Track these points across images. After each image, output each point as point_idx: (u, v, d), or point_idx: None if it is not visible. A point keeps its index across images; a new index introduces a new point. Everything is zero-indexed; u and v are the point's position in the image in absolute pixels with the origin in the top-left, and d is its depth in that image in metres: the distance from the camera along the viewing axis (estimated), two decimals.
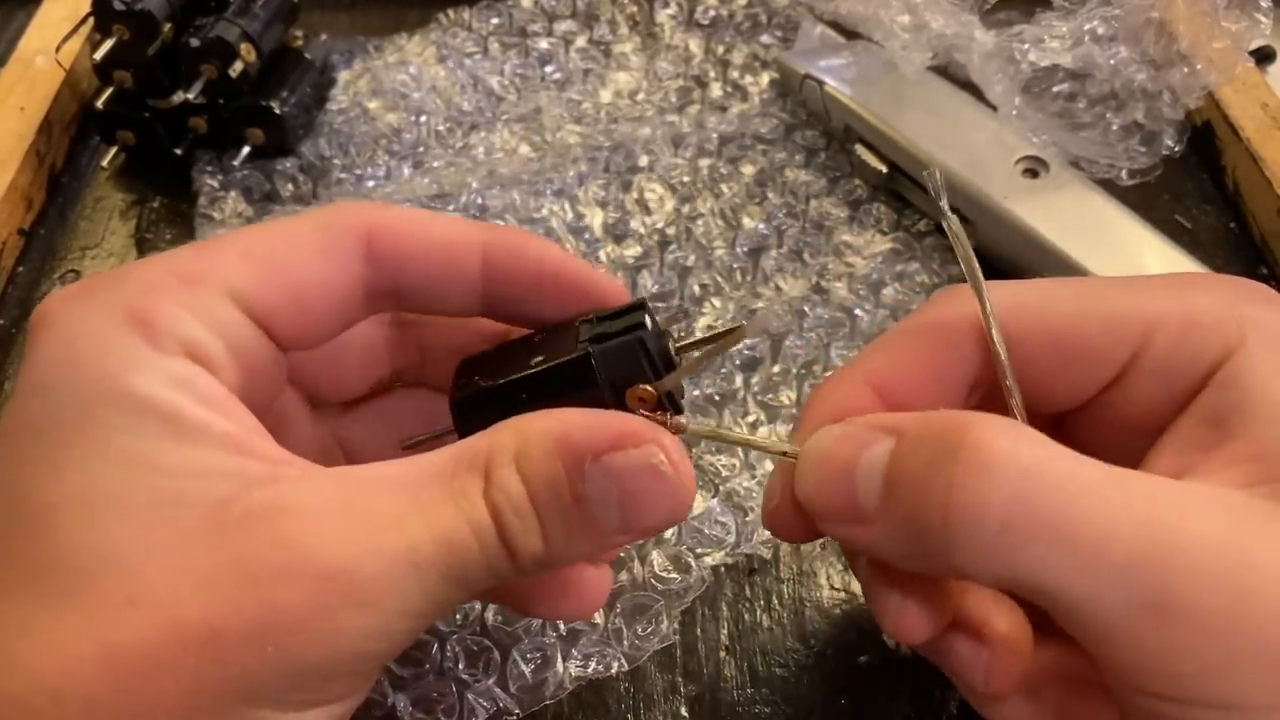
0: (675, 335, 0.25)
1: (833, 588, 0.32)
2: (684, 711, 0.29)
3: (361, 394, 0.28)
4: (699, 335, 0.27)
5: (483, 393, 0.24)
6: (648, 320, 0.24)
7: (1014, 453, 0.20)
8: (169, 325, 0.21)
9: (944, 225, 0.25)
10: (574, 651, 0.30)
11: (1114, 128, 0.43)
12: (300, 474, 0.21)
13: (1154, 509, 0.20)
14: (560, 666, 0.29)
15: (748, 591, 0.32)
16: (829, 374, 0.27)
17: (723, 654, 0.30)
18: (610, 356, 0.23)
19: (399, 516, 0.20)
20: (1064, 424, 0.26)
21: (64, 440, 0.20)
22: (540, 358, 0.24)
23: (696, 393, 0.36)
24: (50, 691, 0.18)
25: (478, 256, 0.25)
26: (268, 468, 0.21)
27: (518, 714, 0.28)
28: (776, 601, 0.31)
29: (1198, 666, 0.20)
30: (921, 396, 0.24)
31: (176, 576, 0.19)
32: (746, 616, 0.31)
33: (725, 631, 0.31)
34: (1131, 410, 0.24)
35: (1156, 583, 0.19)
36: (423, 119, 0.48)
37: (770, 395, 0.37)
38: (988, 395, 0.25)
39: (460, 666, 0.29)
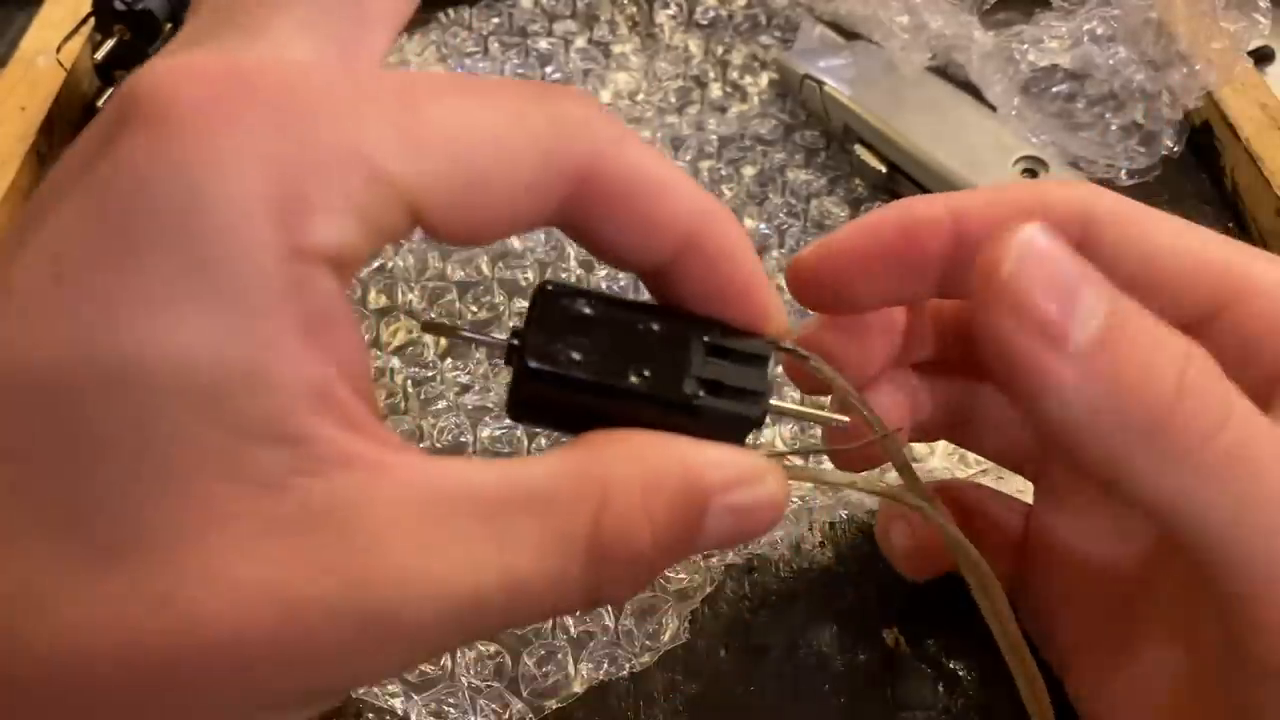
0: (772, 393, 0.23)
1: (831, 586, 0.32)
2: (684, 711, 0.29)
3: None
4: (793, 405, 0.25)
5: (563, 376, 0.20)
6: (768, 383, 0.22)
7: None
8: (327, 229, 0.17)
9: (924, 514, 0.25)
10: (585, 653, 0.30)
11: (1113, 128, 0.43)
12: (373, 464, 0.17)
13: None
14: (572, 669, 0.29)
15: (748, 590, 0.32)
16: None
17: (723, 653, 0.30)
18: (716, 417, 0.21)
19: (473, 552, 0.18)
20: None
21: (134, 339, 0.16)
22: (642, 373, 0.21)
23: None
24: (62, 688, 0.16)
25: (680, 242, 0.21)
26: (339, 443, 0.17)
27: (531, 718, 0.28)
28: (776, 600, 0.31)
29: None
30: None
31: (215, 582, 0.16)
32: (746, 616, 0.31)
33: (725, 631, 0.31)
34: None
35: None
36: None
37: (773, 397, 0.36)
38: None
39: (471, 672, 0.29)
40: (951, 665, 0.30)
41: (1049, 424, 0.19)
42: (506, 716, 0.28)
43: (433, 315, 0.39)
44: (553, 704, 0.29)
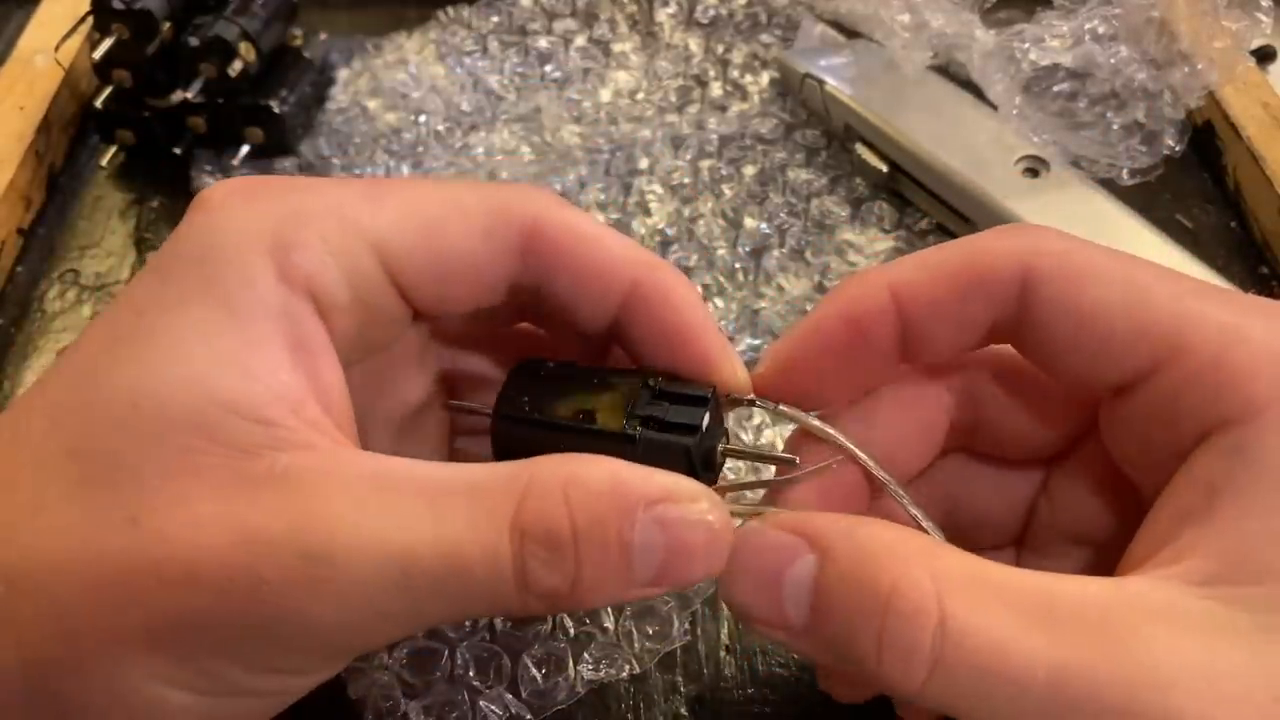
0: (728, 438, 0.25)
1: None
2: (684, 711, 0.29)
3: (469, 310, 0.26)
4: (749, 445, 0.26)
5: (526, 420, 0.24)
6: (705, 420, 0.23)
7: (941, 607, 0.19)
8: (306, 259, 0.21)
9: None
10: (585, 655, 0.30)
11: (1115, 127, 0.43)
12: (332, 449, 0.21)
13: (1072, 650, 0.19)
14: (571, 671, 0.29)
15: None
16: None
17: (723, 654, 0.30)
18: (653, 448, 0.23)
19: (407, 518, 0.20)
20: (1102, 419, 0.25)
21: (150, 327, 0.21)
22: (589, 413, 0.24)
23: None
24: (34, 582, 0.19)
25: (626, 291, 0.24)
26: (307, 434, 0.20)
27: (530, 719, 0.28)
28: None
29: None
30: (940, 321, 0.24)
31: (178, 513, 0.19)
32: None
33: (725, 631, 0.31)
34: (1146, 423, 0.23)
35: None
36: (422, 118, 0.47)
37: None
38: (1005, 336, 0.24)
39: (471, 674, 0.29)
40: None
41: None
42: (506, 717, 0.28)
43: None
44: (553, 705, 0.29)
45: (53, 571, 0.19)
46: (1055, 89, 0.44)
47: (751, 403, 0.25)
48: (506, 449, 0.24)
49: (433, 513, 0.20)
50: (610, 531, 0.20)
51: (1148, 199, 0.43)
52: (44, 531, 0.19)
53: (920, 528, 0.25)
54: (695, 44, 0.52)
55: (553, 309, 0.25)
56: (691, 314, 0.24)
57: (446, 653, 0.29)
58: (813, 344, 0.24)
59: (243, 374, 0.20)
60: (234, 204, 0.22)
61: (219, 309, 0.21)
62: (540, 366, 0.25)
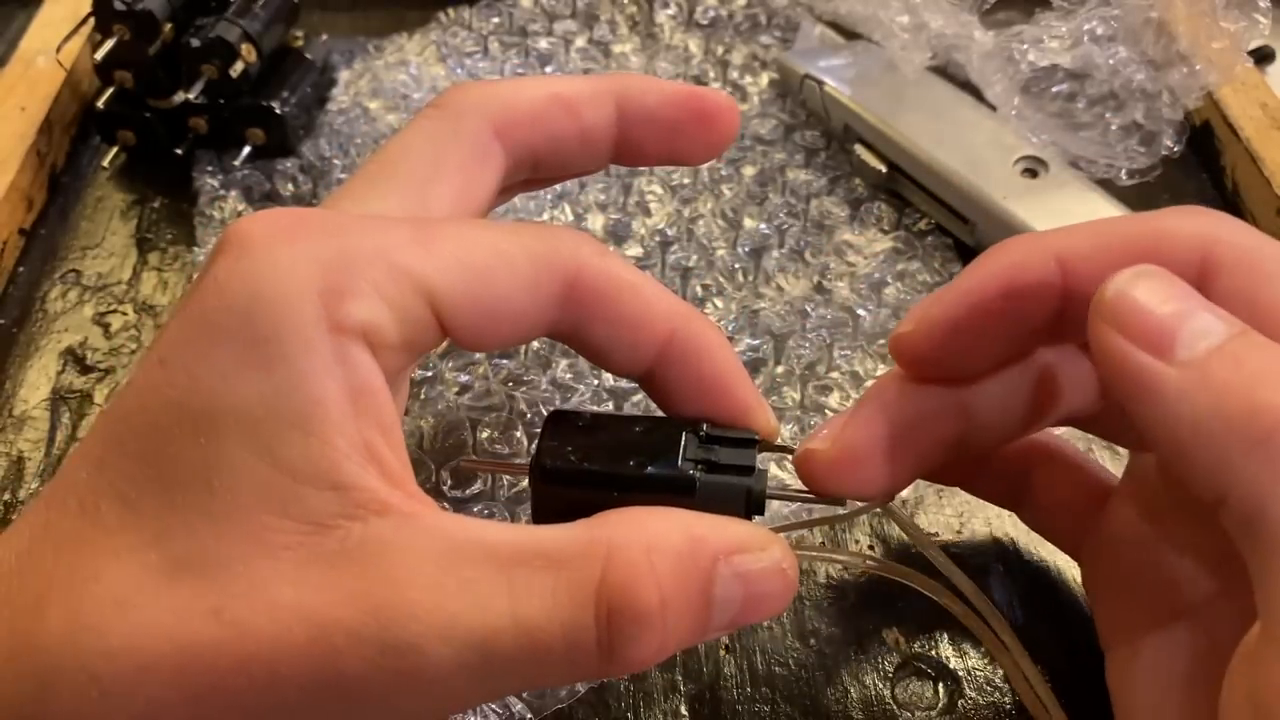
0: (768, 476, 0.25)
1: (832, 587, 0.32)
2: (684, 710, 0.29)
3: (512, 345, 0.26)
4: (792, 488, 0.26)
5: (572, 470, 0.24)
6: (757, 461, 0.24)
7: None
8: (359, 308, 0.21)
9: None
10: None
11: (1113, 128, 0.43)
12: (405, 514, 0.20)
13: None
14: None
15: None
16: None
17: (722, 653, 0.30)
18: (713, 490, 0.23)
19: (485, 598, 0.20)
20: None
21: (213, 403, 0.20)
22: (641, 460, 0.23)
23: None
24: (126, 683, 0.19)
25: (662, 341, 0.24)
26: (380, 493, 0.20)
27: (530, 718, 0.28)
28: None
29: None
30: None
31: (257, 602, 0.19)
32: None
33: None
34: None
35: None
36: None
37: (774, 397, 0.37)
38: None
39: None
40: (951, 665, 0.30)
41: (1152, 428, 0.20)
42: (506, 716, 0.28)
43: None
44: (553, 705, 0.29)
45: (143, 670, 0.19)
46: (1054, 90, 0.44)
47: (784, 449, 0.26)
48: (551, 504, 0.24)
49: (508, 588, 0.20)
50: (695, 593, 0.21)
51: (1146, 199, 0.43)
52: (133, 630, 0.19)
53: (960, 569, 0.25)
54: (695, 45, 0.52)
55: (590, 352, 0.25)
56: (726, 364, 0.25)
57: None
58: (965, 308, 0.24)
59: (309, 438, 0.20)
60: (276, 245, 0.21)
61: (276, 370, 0.20)
62: (575, 417, 0.25)
